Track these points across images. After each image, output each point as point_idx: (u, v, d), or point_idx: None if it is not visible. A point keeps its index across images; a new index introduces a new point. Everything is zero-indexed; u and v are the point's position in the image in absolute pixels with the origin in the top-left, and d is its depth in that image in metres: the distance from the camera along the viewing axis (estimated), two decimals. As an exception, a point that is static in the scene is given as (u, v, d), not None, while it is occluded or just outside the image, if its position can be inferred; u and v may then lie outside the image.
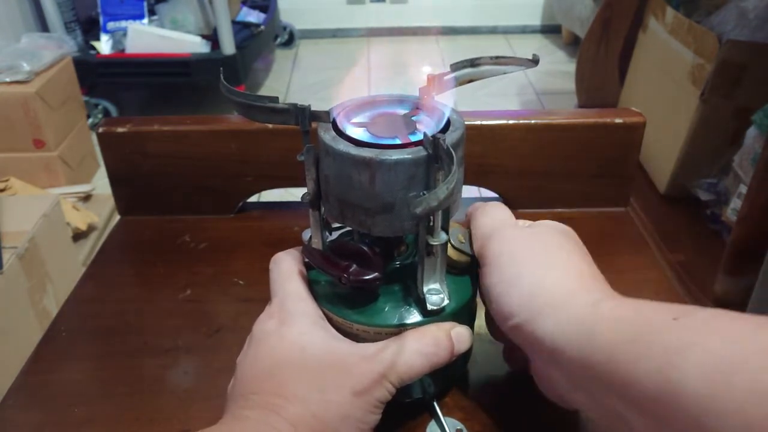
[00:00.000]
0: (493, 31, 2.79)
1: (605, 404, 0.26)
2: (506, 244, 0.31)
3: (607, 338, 0.25)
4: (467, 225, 0.35)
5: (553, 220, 0.34)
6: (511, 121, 0.50)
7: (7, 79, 1.48)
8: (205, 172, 0.51)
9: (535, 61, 0.32)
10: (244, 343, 0.33)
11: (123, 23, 2.01)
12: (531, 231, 0.32)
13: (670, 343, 0.23)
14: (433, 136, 0.27)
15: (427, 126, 0.31)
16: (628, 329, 0.25)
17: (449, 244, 0.33)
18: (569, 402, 0.29)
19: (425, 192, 0.29)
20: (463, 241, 0.34)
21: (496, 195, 0.53)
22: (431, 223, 0.29)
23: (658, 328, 0.24)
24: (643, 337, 0.24)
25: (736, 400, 0.20)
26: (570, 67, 2.19)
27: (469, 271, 0.34)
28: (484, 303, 0.33)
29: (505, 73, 0.32)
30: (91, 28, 2.09)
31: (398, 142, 0.29)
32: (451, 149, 0.26)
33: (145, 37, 1.95)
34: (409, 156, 0.28)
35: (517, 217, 0.35)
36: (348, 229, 0.36)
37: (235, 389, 0.31)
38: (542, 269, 0.30)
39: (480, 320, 0.35)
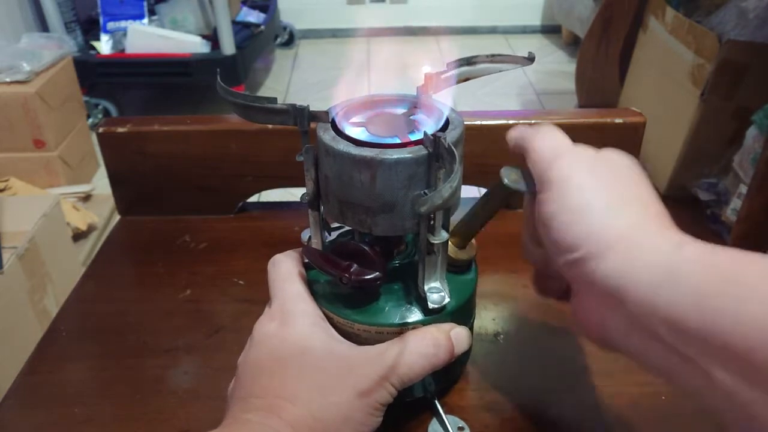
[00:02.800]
0: (493, 31, 2.79)
1: (683, 355, 0.23)
2: (575, 169, 0.28)
3: (697, 284, 0.23)
4: (514, 157, 0.32)
5: None
6: (511, 121, 0.50)
7: (7, 79, 1.48)
8: (205, 172, 0.51)
9: (530, 59, 0.31)
10: (244, 343, 0.33)
11: (123, 23, 2.01)
12: (602, 157, 0.29)
13: None
14: (434, 135, 0.27)
15: (426, 125, 0.31)
16: (722, 274, 0.23)
17: (449, 243, 0.33)
18: (618, 346, 0.27)
19: (426, 191, 0.29)
20: (517, 179, 0.31)
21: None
22: (432, 222, 0.29)
23: (759, 277, 0.22)
24: (741, 286, 0.22)
25: None
26: (570, 67, 2.19)
27: (468, 269, 0.34)
28: (538, 234, 0.29)
29: (501, 71, 0.32)
30: (91, 28, 2.09)
31: (398, 141, 0.29)
32: (453, 147, 0.26)
33: (145, 37, 1.95)
34: (410, 155, 0.28)
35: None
36: (347, 229, 0.36)
37: (236, 391, 0.31)
38: (616, 201, 0.27)
39: (480, 320, 0.35)
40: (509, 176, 0.31)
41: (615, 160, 0.29)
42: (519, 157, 0.31)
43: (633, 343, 0.25)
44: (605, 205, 0.26)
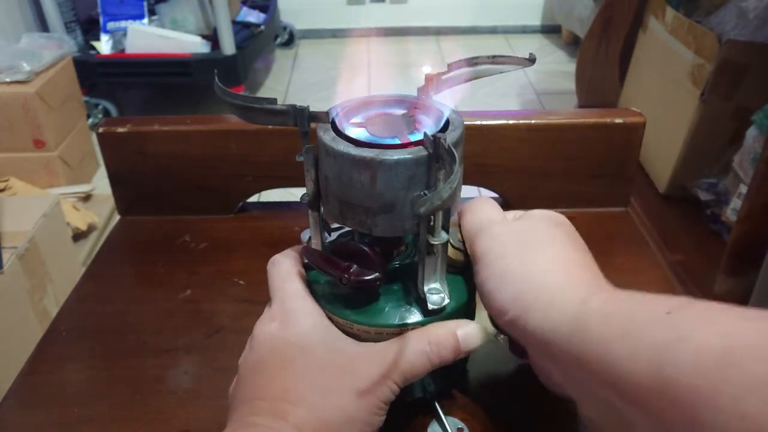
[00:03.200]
0: (493, 31, 2.79)
1: (598, 398, 0.25)
2: (493, 241, 0.31)
3: (598, 334, 0.25)
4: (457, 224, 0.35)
5: None
6: (511, 121, 0.50)
7: (7, 79, 1.48)
8: (205, 172, 0.51)
9: (531, 60, 0.31)
10: (244, 343, 0.33)
11: (123, 23, 2.01)
12: (518, 224, 0.32)
13: (662, 337, 0.23)
14: (434, 136, 0.27)
15: (426, 125, 0.31)
16: (620, 324, 0.25)
17: (449, 244, 0.33)
18: (565, 393, 0.29)
19: (426, 191, 0.29)
20: (461, 239, 0.34)
21: (496, 195, 0.53)
22: (432, 223, 0.29)
23: (651, 322, 0.24)
24: (635, 332, 0.24)
25: (731, 393, 0.20)
26: (570, 67, 2.19)
27: (468, 269, 0.34)
28: (481, 299, 0.32)
29: (502, 72, 0.32)
30: (91, 28, 2.09)
31: (398, 141, 0.29)
32: (452, 148, 0.26)
33: (145, 37, 1.95)
34: (410, 156, 0.28)
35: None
36: (347, 229, 0.36)
37: (238, 392, 0.31)
38: (530, 263, 0.29)
39: (480, 320, 0.35)
40: (456, 235, 0.34)
41: (535, 224, 0.32)
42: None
43: (573, 391, 0.28)
44: (523, 269, 0.29)
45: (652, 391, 0.22)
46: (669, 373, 0.22)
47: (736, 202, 1.20)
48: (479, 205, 0.34)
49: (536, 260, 0.30)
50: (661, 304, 0.25)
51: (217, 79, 0.30)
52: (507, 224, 0.32)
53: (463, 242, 0.33)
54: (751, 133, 1.17)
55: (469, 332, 0.32)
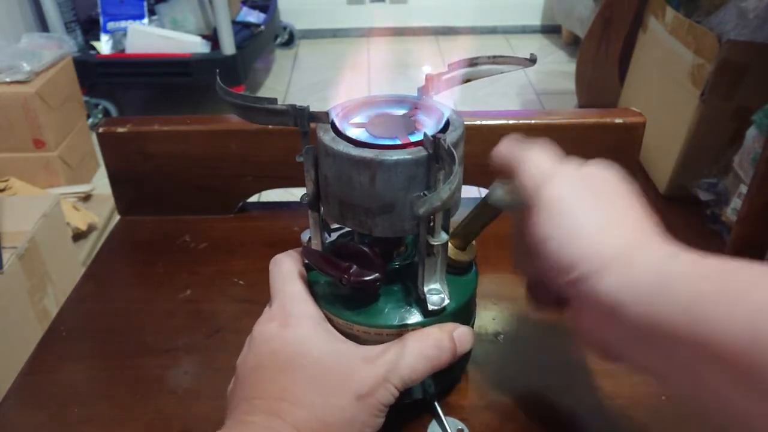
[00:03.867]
0: (493, 31, 2.79)
1: (680, 365, 0.24)
2: (564, 190, 0.28)
3: (688, 294, 0.23)
4: (501, 173, 0.31)
5: None
6: (511, 121, 0.50)
7: (7, 79, 1.48)
8: (205, 172, 0.51)
9: (532, 61, 0.31)
10: (244, 343, 0.33)
11: (123, 23, 2.01)
12: (589, 174, 0.29)
13: (762, 298, 0.22)
14: (434, 136, 0.27)
15: (426, 126, 0.31)
16: (712, 285, 0.23)
17: (449, 244, 0.33)
18: (620, 357, 0.28)
19: (426, 192, 0.29)
20: (504, 196, 0.31)
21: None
22: (432, 223, 0.29)
23: (747, 284, 0.23)
24: (731, 293, 0.22)
25: None
26: (570, 67, 2.19)
27: (468, 270, 0.34)
28: (531, 249, 0.29)
29: (502, 73, 0.32)
30: (91, 28, 2.09)
31: (398, 142, 0.29)
32: (452, 149, 0.26)
33: (145, 37, 1.95)
34: (410, 156, 0.28)
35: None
36: (347, 230, 0.36)
37: (236, 392, 0.31)
38: (606, 219, 0.27)
39: (480, 320, 0.35)
40: (496, 194, 0.31)
41: (603, 175, 0.29)
42: (504, 174, 0.31)
43: (634, 354, 0.26)
44: (596, 224, 0.27)
45: (747, 352, 0.21)
46: (766, 337, 0.20)
47: (736, 202, 1.20)
48: (541, 151, 0.30)
49: (612, 215, 0.27)
50: (753, 267, 0.23)
51: (218, 79, 0.30)
52: (577, 173, 0.29)
53: (517, 194, 0.30)
54: (751, 133, 1.17)
55: (463, 334, 0.32)
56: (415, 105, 0.32)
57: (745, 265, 0.24)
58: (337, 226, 0.36)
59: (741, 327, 0.21)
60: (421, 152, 0.28)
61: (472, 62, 0.32)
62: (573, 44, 2.56)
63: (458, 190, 0.32)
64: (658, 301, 0.24)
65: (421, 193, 0.28)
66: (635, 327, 0.25)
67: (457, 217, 0.34)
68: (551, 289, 0.29)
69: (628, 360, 0.27)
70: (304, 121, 0.30)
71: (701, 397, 0.24)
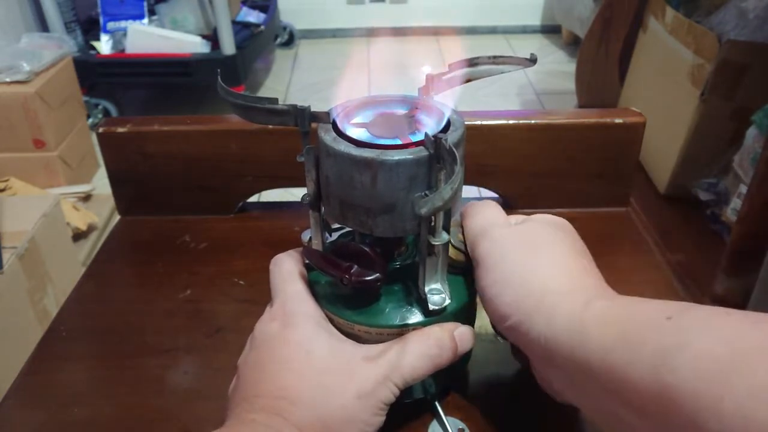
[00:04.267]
0: (493, 31, 2.79)
1: (601, 403, 0.25)
2: (496, 244, 0.31)
3: (598, 340, 0.25)
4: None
5: None
6: (511, 121, 0.50)
7: (7, 79, 1.48)
8: (205, 172, 0.51)
9: (532, 61, 0.31)
10: (244, 343, 0.33)
11: (123, 23, 2.01)
12: (521, 228, 0.32)
13: (663, 343, 0.23)
14: (435, 136, 0.27)
15: (427, 126, 0.31)
16: (620, 330, 0.25)
17: (450, 244, 0.33)
18: (567, 399, 0.29)
19: (427, 192, 0.29)
20: (463, 240, 0.34)
21: (496, 195, 0.53)
22: (433, 223, 0.29)
23: (651, 328, 0.24)
24: (635, 338, 0.24)
25: (734, 399, 0.20)
26: (570, 67, 2.19)
27: (469, 270, 0.34)
28: (482, 303, 0.32)
29: (503, 73, 0.32)
30: (91, 28, 2.09)
31: (399, 142, 0.29)
32: (454, 149, 0.26)
33: (145, 37, 1.95)
34: (411, 156, 0.28)
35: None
36: (347, 230, 0.36)
37: (237, 391, 0.31)
38: (532, 268, 0.29)
39: (480, 320, 0.35)
40: (456, 236, 0.33)
41: (537, 228, 0.32)
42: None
43: (574, 397, 0.28)
44: (525, 274, 0.29)
45: (653, 397, 0.22)
46: (669, 380, 0.21)
47: (736, 202, 1.20)
48: (482, 208, 0.34)
49: (539, 265, 0.29)
50: (661, 309, 0.24)
51: (219, 79, 0.30)
52: (509, 228, 0.32)
53: (465, 242, 0.33)
54: (751, 133, 1.17)
55: (464, 333, 0.32)
56: (415, 105, 0.32)
57: (652, 306, 0.25)
58: (338, 225, 0.36)
59: (647, 373, 0.22)
60: (422, 152, 0.28)
61: (472, 62, 0.32)
62: (573, 44, 2.56)
63: (460, 190, 0.32)
64: (577, 348, 0.26)
65: (423, 193, 0.28)
66: (565, 370, 0.27)
67: (455, 217, 0.34)
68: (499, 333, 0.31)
69: (572, 403, 0.29)
70: (305, 122, 0.30)
71: None
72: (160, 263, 0.48)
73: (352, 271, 0.30)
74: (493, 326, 0.35)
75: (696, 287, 1.12)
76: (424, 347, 0.30)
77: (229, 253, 0.49)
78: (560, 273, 0.29)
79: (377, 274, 0.30)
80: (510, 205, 0.52)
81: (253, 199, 0.54)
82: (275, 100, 0.30)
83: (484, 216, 0.33)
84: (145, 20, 2.04)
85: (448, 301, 0.31)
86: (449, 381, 0.36)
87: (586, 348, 0.25)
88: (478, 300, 0.35)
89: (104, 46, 2.00)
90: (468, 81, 0.32)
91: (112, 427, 0.36)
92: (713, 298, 0.99)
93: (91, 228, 1.37)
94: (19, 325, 0.97)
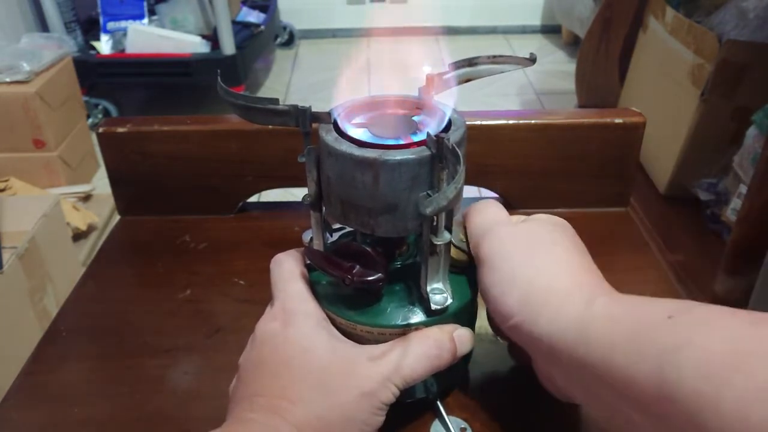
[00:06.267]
0: (493, 31, 2.79)
1: (604, 401, 0.26)
2: (500, 243, 0.31)
3: (601, 338, 0.25)
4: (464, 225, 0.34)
5: None
6: (511, 121, 0.50)
7: (7, 79, 1.47)
8: (205, 172, 0.51)
9: (532, 60, 0.31)
10: (244, 343, 0.33)
11: (123, 23, 2.01)
12: (524, 227, 0.32)
13: (665, 342, 0.23)
14: (437, 136, 0.27)
15: (428, 126, 0.31)
16: (623, 328, 0.25)
17: (451, 244, 0.33)
18: (569, 397, 0.30)
19: (429, 192, 0.28)
20: (464, 239, 0.34)
21: (496, 195, 0.53)
22: (435, 223, 0.29)
23: (653, 326, 0.24)
24: (637, 336, 0.24)
25: (735, 398, 0.20)
26: (570, 67, 2.18)
27: (470, 269, 0.34)
28: (485, 302, 0.33)
29: (502, 72, 0.32)
30: (91, 28, 2.09)
31: (401, 142, 0.29)
32: (456, 148, 0.26)
33: (145, 37, 1.95)
34: (413, 156, 0.28)
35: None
36: (348, 230, 0.36)
37: (238, 390, 0.31)
38: (536, 268, 0.30)
39: (481, 320, 0.35)
40: (457, 236, 0.33)
41: (540, 227, 0.32)
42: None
43: (577, 394, 0.28)
44: (530, 273, 0.29)
45: (655, 395, 0.22)
46: (671, 378, 0.22)
47: (736, 202, 1.20)
48: (485, 207, 0.34)
49: (543, 264, 0.30)
50: (663, 308, 0.25)
51: (219, 79, 0.30)
52: (512, 227, 0.32)
53: (466, 242, 0.33)
54: (751, 133, 1.17)
55: (462, 335, 0.32)
56: (416, 105, 0.32)
57: (654, 305, 0.25)
58: (339, 226, 0.36)
59: (649, 371, 0.23)
60: (424, 152, 0.28)
61: (472, 62, 0.32)
62: (573, 44, 2.56)
63: (462, 189, 0.32)
64: (580, 346, 0.26)
65: (426, 193, 0.28)
66: (568, 368, 0.27)
67: (456, 216, 0.34)
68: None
69: (575, 400, 0.29)
70: (306, 122, 0.30)
71: None
72: (160, 263, 0.48)
73: (354, 271, 0.30)
74: (492, 325, 0.36)
75: (696, 287, 1.12)
76: (424, 348, 0.30)
77: (229, 253, 0.49)
78: (564, 272, 0.29)
79: (379, 274, 0.30)
80: (510, 205, 0.52)
81: (253, 199, 0.54)
82: (276, 101, 0.29)
83: (488, 215, 0.33)
84: (145, 20, 2.03)
85: (450, 301, 0.31)
86: (451, 380, 0.36)
87: (589, 346, 0.25)
88: (479, 299, 0.35)
89: (104, 46, 2.00)
90: (468, 81, 0.32)
91: (112, 427, 0.35)
92: (713, 298, 0.99)
93: (91, 228, 1.37)
94: (19, 325, 0.97)
